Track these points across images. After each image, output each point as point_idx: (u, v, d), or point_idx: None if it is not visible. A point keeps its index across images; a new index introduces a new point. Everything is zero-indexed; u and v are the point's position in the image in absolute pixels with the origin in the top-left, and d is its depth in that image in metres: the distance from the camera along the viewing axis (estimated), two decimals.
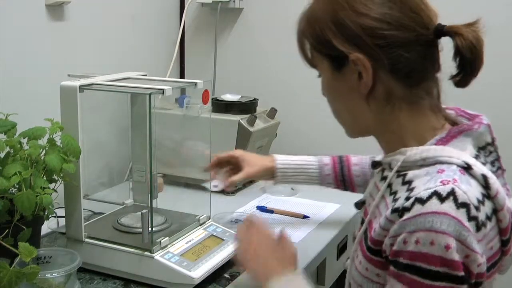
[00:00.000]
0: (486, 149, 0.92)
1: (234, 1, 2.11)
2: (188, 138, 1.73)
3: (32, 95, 1.55)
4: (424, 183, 0.84)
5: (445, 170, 0.84)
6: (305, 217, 1.61)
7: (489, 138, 0.93)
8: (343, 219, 1.60)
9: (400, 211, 0.83)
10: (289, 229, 1.52)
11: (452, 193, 0.80)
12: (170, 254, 1.21)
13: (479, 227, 0.81)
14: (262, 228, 1.14)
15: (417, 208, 0.81)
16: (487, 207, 0.83)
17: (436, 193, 0.81)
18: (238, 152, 1.48)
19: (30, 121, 1.20)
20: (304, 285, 1.00)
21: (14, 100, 1.48)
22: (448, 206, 0.79)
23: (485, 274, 0.83)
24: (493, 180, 0.85)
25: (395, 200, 0.88)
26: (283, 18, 2.08)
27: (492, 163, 0.92)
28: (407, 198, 0.83)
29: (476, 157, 0.88)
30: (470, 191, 0.82)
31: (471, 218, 0.80)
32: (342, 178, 1.44)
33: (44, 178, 1.15)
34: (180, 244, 1.25)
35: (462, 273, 0.79)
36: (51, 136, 1.18)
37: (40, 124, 1.19)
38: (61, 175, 1.18)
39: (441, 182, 0.82)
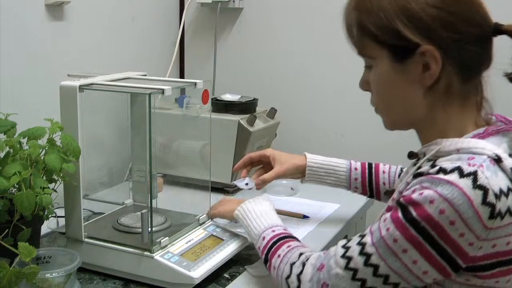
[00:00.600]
0: None
1: (233, 1, 2.11)
2: (188, 138, 1.73)
3: (32, 95, 1.55)
4: (451, 161, 0.87)
5: (475, 158, 0.87)
6: (305, 217, 1.61)
7: None
8: (343, 219, 1.60)
9: (422, 174, 0.88)
10: (289, 229, 1.52)
11: (474, 173, 0.83)
12: (170, 254, 1.21)
13: (493, 215, 0.82)
14: None
15: (438, 174, 0.85)
16: (510, 201, 0.85)
17: (459, 169, 0.84)
18: (269, 151, 1.48)
19: (29, 121, 1.20)
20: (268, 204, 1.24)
21: (14, 100, 1.48)
22: (465, 183, 0.82)
23: (475, 258, 0.86)
24: None
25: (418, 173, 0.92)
26: (283, 18, 2.09)
27: None
28: (433, 166, 0.88)
29: (510, 156, 0.89)
30: (494, 179, 0.84)
31: (486, 203, 0.82)
32: (370, 185, 1.44)
33: (44, 178, 1.15)
34: (180, 244, 1.25)
35: (442, 242, 0.84)
36: (51, 136, 1.18)
37: (40, 124, 1.19)
38: (61, 175, 1.18)
39: (467, 163, 0.85)
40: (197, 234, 1.31)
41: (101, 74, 1.33)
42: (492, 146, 0.89)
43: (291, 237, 1.15)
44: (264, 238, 1.16)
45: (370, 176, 1.43)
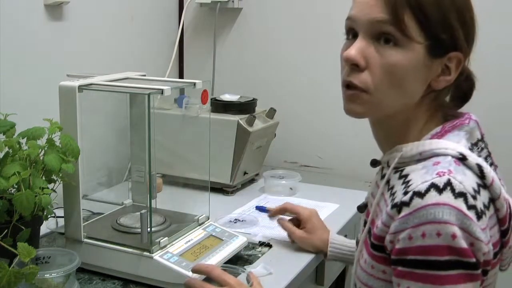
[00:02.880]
0: (478, 145, 0.94)
1: (233, 1, 2.11)
2: (187, 138, 1.73)
3: (31, 95, 1.55)
4: (420, 175, 0.85)
5: (441, 162, 0.86)
6: None
7: (479, 134, 0.95)
8: (342, 219, 1.60)
9: (398, 206, 0.84)
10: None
11: (448, 183, 0.82)
12: (169, 254, 1.21)
13: (479, 215, 0.82)
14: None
15: (417, 202, 0.82)
16: (483, 196, 0.85)
17: (433, 185, 0.82)
18: (307, 215, 1.41)
19: (29, 121, 1.20)
20: None
21: (13, 100, 1.47)
22: (447, 197, 0.81)
23: (491, 262, 0.84)
24: (488, 169, 0.86)
25: (392, 194, 0.89)
26: (282, 18, 2.09)
27: (485, 159, 0.93)
28: (405, 193, 0.84)
29: (471, 150, 0.90)
30: (466, 181, 0.83)
31: (470, 206, 0.81)
32: None
33: (43, 178, 1.15)
34: (179, 244, 1.25)
35: (473, 259, 0.80)
36: (50, 136, 1.18)
37: (39, 124, 1.19)
38: (60, 175, 1.18)
39: (437, 174, 0.83)
40: (196, 234, 1.31)
41: (100, 74, 1.33)
42: (453, 144, 0.89)
43: None
44: None
45: None
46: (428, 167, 0.86)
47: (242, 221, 1.57)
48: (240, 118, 1.75)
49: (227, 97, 1.87)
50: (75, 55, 1.69)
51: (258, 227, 1.53)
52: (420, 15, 0.87)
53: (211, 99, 1.82)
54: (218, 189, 1.78)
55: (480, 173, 0.86)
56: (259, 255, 1.36)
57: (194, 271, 1.11)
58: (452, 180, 0.82)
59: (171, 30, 2.17)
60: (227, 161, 1.75)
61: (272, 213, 1.47)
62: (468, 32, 0.91)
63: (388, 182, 0.94)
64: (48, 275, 1.06)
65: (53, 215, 1.19)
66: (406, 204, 0.83)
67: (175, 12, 2.19)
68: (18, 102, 1.48)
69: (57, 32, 1.64)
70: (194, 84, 1.31)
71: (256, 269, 1.27)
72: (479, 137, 0.95)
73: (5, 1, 1.47)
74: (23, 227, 1.11)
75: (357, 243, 1.05)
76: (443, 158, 0.87)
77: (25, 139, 1.17)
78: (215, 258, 1.24)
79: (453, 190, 0.81)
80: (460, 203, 0.80)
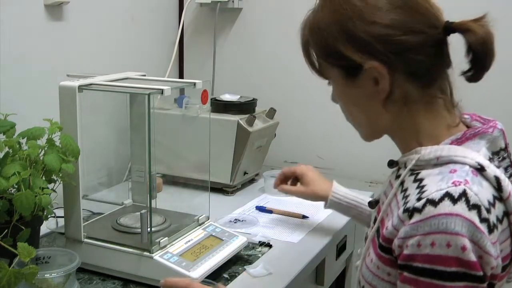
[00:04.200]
0: (500, 155, 0.92)
1: (233, 1, 2.11)
2: (187, 138, 1.73)
3: (31, 95, 1.55)
4: (435, 182, 0.84)
5: (458, 170, 0.84)
6: (304, 217, 1.61)
7: (502, 143, 0.92)
8: (342, 219, 1.60)
9: (410, 211, 0.83)
10: (288, 229, 1.53)
11: (464, 194, 0.80)
12: (169, 254, 1.21)
13: (491, 229, 0.80)
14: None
15: (429, 210, 0.80)
16: (498, 210, 0.83)
17: (448, 194, 0.80)
18: (300, 169, 1.49)
19: (29, 121, 1.20)
20: None
21: (13, 100, 1.47)
22: (461, 208, 0.79)
23: (498, 276, 0.83)
24: (506, 182, 0.85)
25: (405, 197, 0.88)
26: (282, 18, 2.09)
27: (506, 169, 0.91)
28: (419, 199, 0.83)
29: (490, 160, 0.88)
30: (481, 192, 0.82)
31: (482, 219, 0.80)
32: None
33: (43, 178, 1.15)
34: (179, 244, 1.25)
35: (480, 273, 0.79)
36: (50, 136, 1.18)
37: (39, 124, 1.19)
38: (60, 175, 1.18)
39: (453, 183, 0.82)
40: (196, 234, 1.31)
41: (100, 74, 1.33)
42: (472, 153, 0.87)
43: None
44: None
45: None
46: (444, 173, 0.85)
47: (242, 221, 1.57)
48: (240, 118, 1.75)
49: (227, 97, 1.86)
50: (75, 55, 1.69)
51: (258, 227, 1.53)
52: (316, 54, 0.97)
53: (211, 99, 1.82)
54: (218, 189, 1.78)
55: (498, 186, 0.84)
56: (259, 255, 1.36)
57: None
58: (468, 191, 0.81)
59: (171, 30, 2.17)
60: (227, 161, 1.75)
61: (277, 184, 1.51)
62: (360, 39, 0.88)
63: (402, 183, 0.93)
64: (48, 275, 1.06)
65: (53, 215, 1.20)
66: (418, 210, 0.82)
67: (175, 12, 2.19)
68: (18, 102, 1.48)
69: (57, 32, 1.64)
70: (194, 84, 1.31)
71: (256, 269, 1.27)
72: (503, 146, 0.92)
73: (5, 1, 1.47)
74: (23, 227, 1.11)
75: (366, 238, 1.04)
76: (461, 167, 0.85)
77: (25, 139, 1.17)
78: (215, 258, 1.24)
79: (467, 201, 0.80)
80: (473, 215, 0.79)
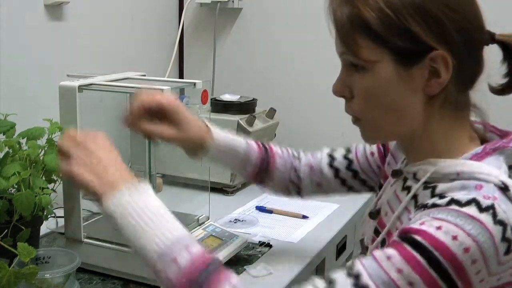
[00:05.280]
0: None
1: (233, 1, 2.11)
2: None
3: (31, 95, 1.55)
4: (462, 194, 0.78)
5: (484, 187, 0.78)
6: (304, 217, 1.61)
7: None
8: (342, 219, 1.60)
9: (428, 207, 0.78)
10: (288, 229, 1.53)
11: (492, 207, 0.75)
12: None
13: (509, 250, 0.76)
14: (98, 137, 0.95)
15: (453, 207, 0.75)
16: None
17: (475, 201, 0.75)
18: (169, 102, 1.08)
19: (29, 121, 1.20)
20: (156, 200, 0.88)
21: (13, 100, 1.47)
22: (486, 218, 0.74)
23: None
24: None
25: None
26: (282, 18, 2.09)
27: None
28: (441, 197, 0.78)
29: (510, 177, 0.83)
30: (510, 211, 0.76)
31: (504, 238, 0.75)
32: (264, 170, 1.22)
33: (43, 178, 1.15)
34: None
35: (460, 282, 0.74)
36: (50, 136, 1.18)
37: (39, 124, 1.19)
38: (60, 175, 1.18)
39: (482, 196, 0.76)
40: (196, 234, 1.31)
41: (100, 74, 1.33)
42: (496, 171, 0.81)
43: (221, 263, 0.84)
44: (175, 259, 0.81)
45: (266, 160, 1.22)
46: (470, 188, 0.78)
47: (242, 221, 1.57)
48: (240, 118, 1.75)
49: (227, 97, 1.87)
50: (75, 55, 1.69)
51: (258, 227, 1.53)
52: (369, 33, 0.82)
53: (211, 99, 1.82)
54: (218, 189, 1.78)
55: None
56: (259, 255, 1.36)
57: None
58: (496, 206, 0.75)
59: (171, 30, 2.17)
60: None
61: (129, 120, 1.09)
62: (442, 24, 0.80)
63: (415, 197, 0.87)
64: (48, 275, 1.06)
65: (53, 215, 1.20)
66: (437, 205, 0.76)
67: (175, 12, 2.19)
68: (18, 102, 1.48)
69: (57, 32, 1.64)
70: (194, 84, 1.31)
71: (256, 269, 1.27)
72: None
73: (5, 1, 1.47)
74: (23, 227, 1.11)
75: (364, 249, 1.00)
76: (486, 184, 0.79)
77: (25, 139, 1.17)
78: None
79: (494, 215, 0.74)
80: (497, 231, 0.74)
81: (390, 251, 0.76)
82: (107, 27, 1.84)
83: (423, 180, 0.86)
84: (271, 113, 1.89)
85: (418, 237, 0.74)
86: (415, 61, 0.82)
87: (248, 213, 1.64)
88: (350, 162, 1.21)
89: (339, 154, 1.24)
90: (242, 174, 1.24)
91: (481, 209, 0.74)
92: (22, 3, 1.52)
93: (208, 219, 1.40)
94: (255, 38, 2.15)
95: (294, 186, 1.25)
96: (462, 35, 0.81)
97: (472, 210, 0.74)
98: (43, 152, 1.15)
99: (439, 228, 0.74)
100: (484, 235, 0.73)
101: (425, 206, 0.79)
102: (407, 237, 0.75)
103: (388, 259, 0.75)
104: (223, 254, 1.27)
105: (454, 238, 0.73)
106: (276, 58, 2.12)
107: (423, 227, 0.75)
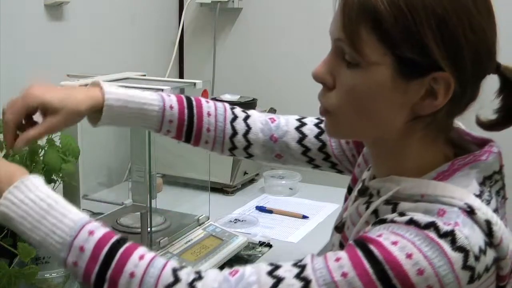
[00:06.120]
0: (493, 178, 0.80)
1: (233, 1, 2.11)
2: None
3: None
4: (422, 216, 0.72)
5: (447, 212, 0.72)
6: (304, 217, 1.61)
7: (497, 166, 0.80)
8: None
9: (388, 221, 0.73)
10: (288, 229, 1.53)
11: (451, 233, 0.69)
12: (170, 254, 1.21)
13: (473, 279, 0.69)
14: None
15: (412, 226, 0.70)
16: (488, 257, 0.72)
17: (434, 225, 0.69)
18: (32, 98, 0.93)
19: None
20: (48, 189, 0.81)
21: None
22: (445, 244, 0.68)
23: None
24: (497, 227, 0.73)
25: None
26: (282, 18, 2.09)
27: (497, 193, 0.81)
28: (401, 214, 0.73)
29: (481, 193, 0.76)
30: (473, 237, 0.70)
31: (466, 267, 0.69)
32: (188, 130, 1.07)
33: (43, 178, 1.15)
34: (179, 244, 1.25)
35: None
36: (50, 136, 1.18)
37: None
38: (60, 175, 1.18)
39: (442, 222, 0.70)
40: (196, 234, 1.31)
41: (100, 74, 1.33)
42: (460, 192, 0.74)
43: (127, 240, 0.79)
44: (82, 247, 0.76)
45: (190, 119, 1.06)
46: (432, 213, 0.72)
47: (242, 221, 1.57)
48: None
49: (227, 97, 1.87)
50: (75, 55, 1.69)
51: (258, 227, 1.53)
52: (378, 30, 0.72)
53: (211, 99, 1.81)
54: (218, 189, 1.78)
55: (488, 231, 0.72)
56: (259, 255, 1.36)
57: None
58: (457, 232, 0.69)
59: (171, 30, 2.17)
60: (227, 161, 1.75)
61: (11, 141, 0.93)
62: (458, 45, 0.72)
63: (375, 212, 0.81)
64: (48, 275, 1.06)
65: None
66: (397, 222, 0.71)
67: (175, 12, 2.19)
68: None
69: (57, 32, 1.64)
70: (194, 84, 1.31)
71: None
72: (497, 169, 0.80)
73: (5, 1, 1.47)
74: None
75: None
76: (449, 208, 0.72)
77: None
78: (215, 258, 1.24)
79: (453, 241, 0.68)
80: (457, 258, 0.68)
81: (341, 253, 0.72)
82: (107, 27, 1.84)
83: (383, 198, 0.79)
84: (271, 113, 1.89)
85: (371, 246, 0.70)
86: (416, 75, 0.73)
87: (248, 213, 1.64)
88: (323, 144, 1.11)
89: (309, 131, 1.13)
90: (166, 135, 1.07)
91: (440, 234, 0.69)
92: (22, 3, 1.52)
93: (208, 219, 1.40)
94: (255, 38, 2.15)
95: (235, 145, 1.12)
96: (474, 62, 0.73)
97: (430, 233, 0.69)
98: (43, 152, 1.15)
99: (395, 243, 0.69)
100: (441, 260, 0.67)
101: (384, 221, 0.73)
102: (361, 243, 0.71)
103: (336, 260, 0.71)
104: (223, 254, 1.27)
105: (409, 256, 0.67)
106: (276, 58, 2.11)
107: (379, 239, 0.70)
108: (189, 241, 1.28)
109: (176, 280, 0.73)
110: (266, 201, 1.74)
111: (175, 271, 0.74)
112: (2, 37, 1.47)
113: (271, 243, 1.42)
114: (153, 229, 1.24)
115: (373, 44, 0.73)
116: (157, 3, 2.10)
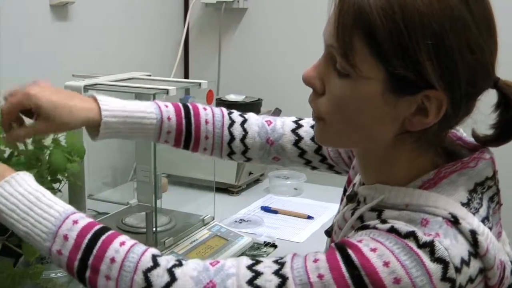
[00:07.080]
0: (485, 185, 0.78)
1: (238, 1, 2.11)
2: None
3: None
4: (403, 225, 0.71)
5: (430, 222, 0.71)
6: (309, 217, 1.61)
7: (490, 172, 0.78)
8: None
9: (370, 227, 0.73)
10: (293, 229, 1.52)
11: (430, 244, 0.68)
12: (175, 254, 1.21)
13: None
14: None
15: (393, 234, 0.69)
16: (472, 268, 0.70)
17: (414, 235, 0.68)
18: (34, 98, 0.95)
19: None
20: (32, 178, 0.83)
21: None
22: (423, 254, 0.67)
23: None
24: (483, 237, 0.71)
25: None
26: (288, 18, 2.09)
27: (491, 199, 0.79)
28: (383, 222, 0.72)
29: (468, 201, 0.74)
30: (454, 248, 0.69)
31: (446, 278, 0.67)
32: (186, 140, 1.08)
33: (49, 178, 1.15)
34: (185, 244, 1.25)
35: None
36: (56, 136, 1.18)
37: None
38: (66, 175, 1.18)
39: (423, 232, 0.69)
40: (201, 235, 1.31)
41: (106, 74, 1.33)
42: (444, 201, 0.73)
43: (110, 229, 0.80)
44: (66, 236, 0.78)
45: (188, 128, 1.07)
46: (416, 222, 0.71)
47: (247, 221, 1.57)
48: None
49: (232, 97, 1.87)
50: (80, 55, 1.70)
51: (263, 228, 1.53)
52: (372, 43, 0.69)
53: (216, 99, 1.82)
54: (223, 189, 1.78)
55: (473, 241, 0.70)
56: (264, 255, 1.36)
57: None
58: (436, 243, 0.68)
59: (177, 30, 2.18)
60: (232, 162, 1.74)
61: (9, 136, 0.97)
62: (454, 67, 0.68)
63: (361, 217, 0.80)
64: (53, 274, 1.07)
65: None
66: (378, 229, 0.71)
67: (180, 12, 2.20)
68: None
69: (62, 32, 1.64)
70: (199, 84, 1.31)
71: None
72: (490, 175, 0.78)
73: (10, 1, 1.47)
74: None
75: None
76: (433, 218, 0.71)
77: (30, 139, 1.17)
78: (220, 259, 1.24)
79: (432, 252, 0.67)
80: (435, 269, 0.67)
81: (320, 254, 0.72)
82: (112, 27, 1.84)
83: (368, 206, 0.78)
84: (277, 113, 1.89)
85: (350, 251, 0.69)
86: (408, 92, 0.70)
87: (253, 213, 1.64)
88: (319, 146, 1.10)
89: (305, 133, 1.13)
90: (164, 143, 1.08)
91: (419, 244, 0.68)
92: (27, 3, 1.53)
93: (213, 219, 1.40)
94: (260, 38, 2.15)
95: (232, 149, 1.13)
96: (470, 82, 0.70)
97: (410, 242, 0.68)
98: (48, 152, 1.15)
99: (374, 250, 0.68)
100: (419, 270, 0.67)
101: (367, 227, 0.73)
102: (341, 246, 0.71)
103: (314, 261, 0.72)
104: (228, 255, 1.27)
105: (386, 264, 0.67)
106: (282, 58, 2.11)
107: (359, 244, 0.69)
108: (194, 241, 1.28)
109: (155, 265, 0.75)
110: (271, 202, 1.73)
111: (154, 257, 0.76)
112: (7, 37, 1.47)
113: (276, 244, 1.42)
114: (158, 229, 1.24)
115: (365, 57, 0.70)
116: (162, 3, 2.10)
